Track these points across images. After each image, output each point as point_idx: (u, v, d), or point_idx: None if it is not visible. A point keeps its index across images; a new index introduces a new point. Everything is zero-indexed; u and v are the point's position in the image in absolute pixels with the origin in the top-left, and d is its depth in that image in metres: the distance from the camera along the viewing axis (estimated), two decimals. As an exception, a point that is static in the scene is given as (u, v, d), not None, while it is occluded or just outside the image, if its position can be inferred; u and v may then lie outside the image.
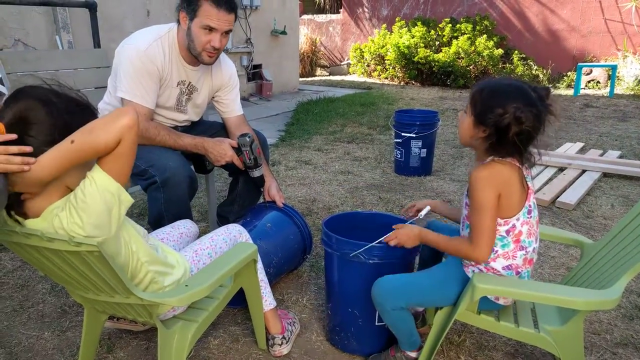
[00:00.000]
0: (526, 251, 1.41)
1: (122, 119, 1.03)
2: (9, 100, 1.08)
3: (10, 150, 1.01)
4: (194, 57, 1.98)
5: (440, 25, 9.24)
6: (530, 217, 1.40)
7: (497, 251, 1.41)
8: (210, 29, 1.88)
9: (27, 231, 1.09)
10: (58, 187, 1.11)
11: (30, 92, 1.09)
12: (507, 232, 1.39)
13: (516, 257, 1.41)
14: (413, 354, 1.58)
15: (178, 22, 1.96)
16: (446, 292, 1.48)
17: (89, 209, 1.06)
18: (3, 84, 2.18)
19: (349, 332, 1.68)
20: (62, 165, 1.04)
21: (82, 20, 4.70)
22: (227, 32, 1.93)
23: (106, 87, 2.14)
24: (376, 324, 1.64)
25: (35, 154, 1.04)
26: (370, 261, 1.55)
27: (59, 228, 1.08)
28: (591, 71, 8.27)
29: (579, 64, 7.99)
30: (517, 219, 1.38)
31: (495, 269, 1.42)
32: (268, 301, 1.70)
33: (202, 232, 2.04)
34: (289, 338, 1.72)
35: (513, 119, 1.28)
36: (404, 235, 1.51)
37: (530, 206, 1.39)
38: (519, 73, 8.53)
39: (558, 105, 1.36)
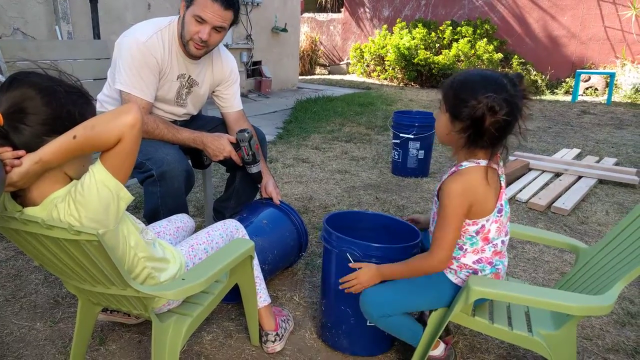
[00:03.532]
0: (494, 244, 1.42)
1: (125, 117, 1.02)
2: (5, 87, 1.05)
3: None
4: (184, 46, 1.96)
5: (441, 28, 9.26)
6: (501, 215, 1.40)
7: (466, 249, 1.43)
8: (202, 20, 1.86)
9: (27, 218, 1.08)
10: (56, 175, 1.10)
11: (26, 79, 1.06)
12: (477, 232, 1.40)
13: (485, 250, 1.43)
14: (434, 353, 1.54)
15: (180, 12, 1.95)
16: (428, 296, 1.49)
17: (86, 202, 1.05)
18: (1, 73, 2.16)
19: (340, 329, 1.68)
20: (62, 158, 1.04)
21: (82, 12, 4.68)
22: (220, 29, 1.90)
23: (105, 78, 2.13)
24: (368, 324, 1.64)
25: (31, 142, 1.03)
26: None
27: (57, 219, 1.07)
28: (589, 78, 8.31)
29: (577, 70, 8.03)
30: (487, 220, 1.38)
31: (467, 264, 1.44)
32: (263, 298, 1.69)
33: (197, 227, 2.04)
34: (283, 335, 1.72)
35: (487, 109, 1.25)
36: (364, 275, 1.50)
37: (501, 205, 1.40)
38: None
39: (529, 90, 1.35)
